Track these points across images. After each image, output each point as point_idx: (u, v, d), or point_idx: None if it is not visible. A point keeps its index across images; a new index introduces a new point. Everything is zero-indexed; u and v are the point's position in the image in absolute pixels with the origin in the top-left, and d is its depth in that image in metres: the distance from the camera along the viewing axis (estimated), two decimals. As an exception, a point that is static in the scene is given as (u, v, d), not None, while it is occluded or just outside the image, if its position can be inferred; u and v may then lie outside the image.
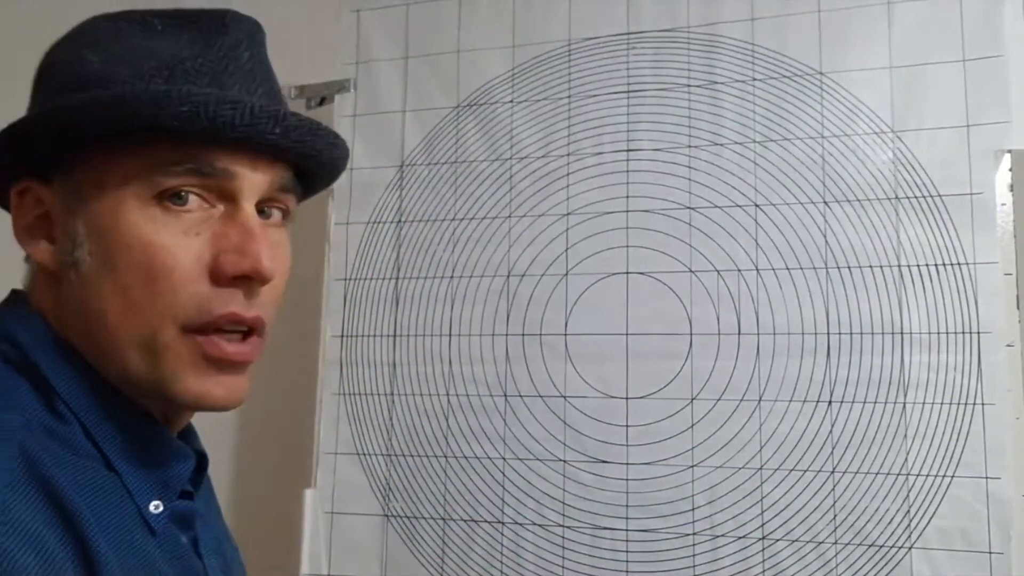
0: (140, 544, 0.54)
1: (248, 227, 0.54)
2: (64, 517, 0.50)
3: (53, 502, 0.50)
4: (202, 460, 0.63)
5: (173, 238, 0.53)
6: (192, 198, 0.54)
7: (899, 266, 1.00)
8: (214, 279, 0.54)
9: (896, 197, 1.01)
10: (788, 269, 1.03)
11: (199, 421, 0.65)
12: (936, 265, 0.99)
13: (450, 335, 1.15)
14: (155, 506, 0.56)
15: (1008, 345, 0.96)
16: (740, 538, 1.01)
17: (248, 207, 0.55)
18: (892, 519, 0.97)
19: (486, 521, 1.10)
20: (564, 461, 1.08)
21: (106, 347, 0.54)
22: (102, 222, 0.54)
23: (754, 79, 1.07)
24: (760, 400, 1.02)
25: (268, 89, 0.58)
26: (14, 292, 0.60)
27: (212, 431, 0.73)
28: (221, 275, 0.54)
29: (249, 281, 0.54)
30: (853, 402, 0.99)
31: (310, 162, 0.59)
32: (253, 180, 0.55)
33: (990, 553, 0.93)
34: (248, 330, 0.55)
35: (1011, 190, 0.98)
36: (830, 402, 1.00)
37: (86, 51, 0.56)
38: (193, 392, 0.54)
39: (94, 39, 0.56)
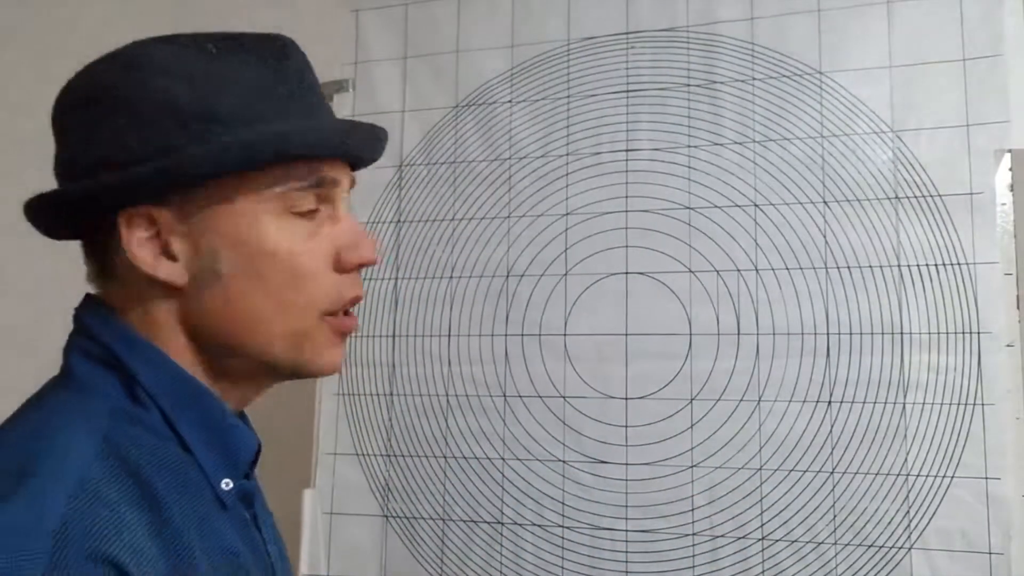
0: (213, 518, 0.60)
1: (354, 225, 0.66)
2: (144, 493, 0.55)
3: (135, 480, 0.56)
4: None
5: (305, 243, 0.63)
6: (313, 206, 0.64)
7: (899, 266, 1.00)
8: (338, 270, 0.64)
9: (896, 197, 1.01)
10: (788, 269, 1.03)
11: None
12: (936, 265, 0.99)
13: (449, 335, 1.15)
14: (226, 483, 0.62)
15: (1008, 345, 0.96)
16: (740, 539, 1.01)
17: (344, 207, 0.66)
18: (892, 520, 0.97)
19: (485, 522, 1.10)
20: (563, 461, 1.08)
21: (248, 343, 0.63)
22: (240, 236, 0.62)
23: (753, 79, 1.07)
24: (760, 400, 1.02)
25: (329, 106, 0.67)
26: (89, 297, 0.66)
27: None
28: (346, 266, 0.64)
29: (360, 267, 0.66)
30: (853, 402, 0.99)
31: (368, 164, 0.70)
32: (344, 184, 0.66)
33: (990, 554, 0.93)
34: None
35: (1011, 190, 0.98)
36: (829, 402, 1.00)
37: (167, 81, 0.61)
38: (331, 363, 0.66)
39: (164, 67, 0.61)
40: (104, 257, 0.64)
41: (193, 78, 0.61)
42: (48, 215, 0.64)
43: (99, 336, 0.62)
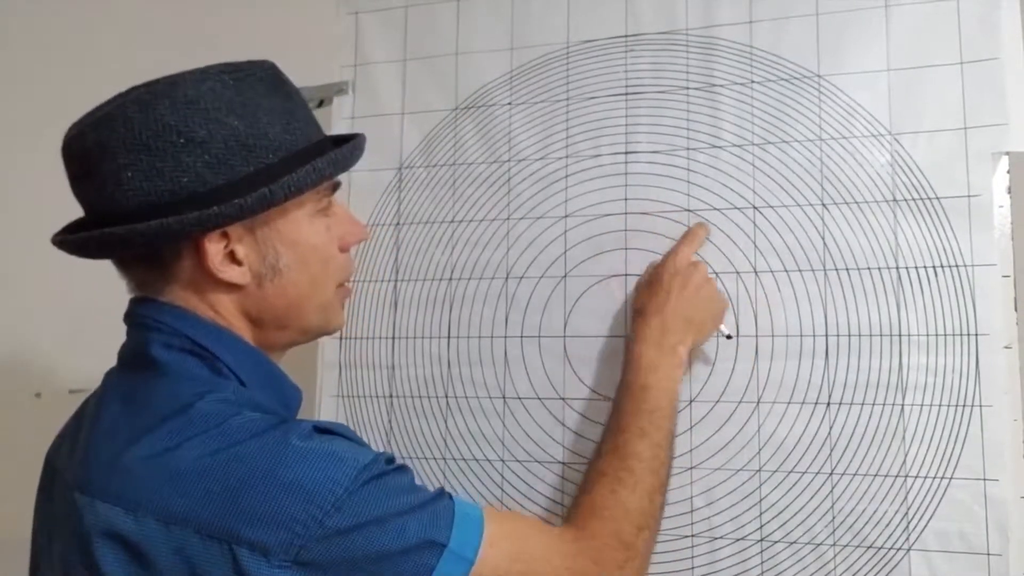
0: None
1: (346, 212, 0.84)
2: None
3: None
4: None
5: (326, 234, 0.80)
6: (327, 204, 0.81)
7: (897, 268, 1.00)
8: (342, 250, 0.83)
9: (894, 199, 1.01)
10: (786, 271, 1.03)
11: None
12: (934, 267, 0.99)
13: (448, 337, 1.15)
14: None
15: (1006, 347, 0.96)
16: (738, 540, 1.01)
17: (337, 199, 0.83)
18: (890, 521, 0.97)
19: (485, 523, 1.09)
20: (563, 463, 1.08)
21: (294, 318, 0.80)
22: (292, 238, 0.77)
23: (752, 82, 1.07)
24: (759, 402, 1.02)
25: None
26: (145, 300, 0.77)
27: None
28: (345, 247, 0.83)
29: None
30: (851, 404, 1.00)
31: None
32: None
33: (988, 555, 0.94)
34: None
35: (1009, 192, 0.98)
36: (828, 404, 1.00)
37: (225, 116, 0.71)
38: (341, 322, 0.86)
39: (217, 104, 0.71)
40: (165, 267, 0.75)
41: (242, 111, 0.72)
42: (112, 246, 0.73)
43: (181, 330, 0.74)
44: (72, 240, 0.74)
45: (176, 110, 0.70)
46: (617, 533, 0.82)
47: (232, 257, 0.75)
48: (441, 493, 0.73)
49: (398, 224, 1.19)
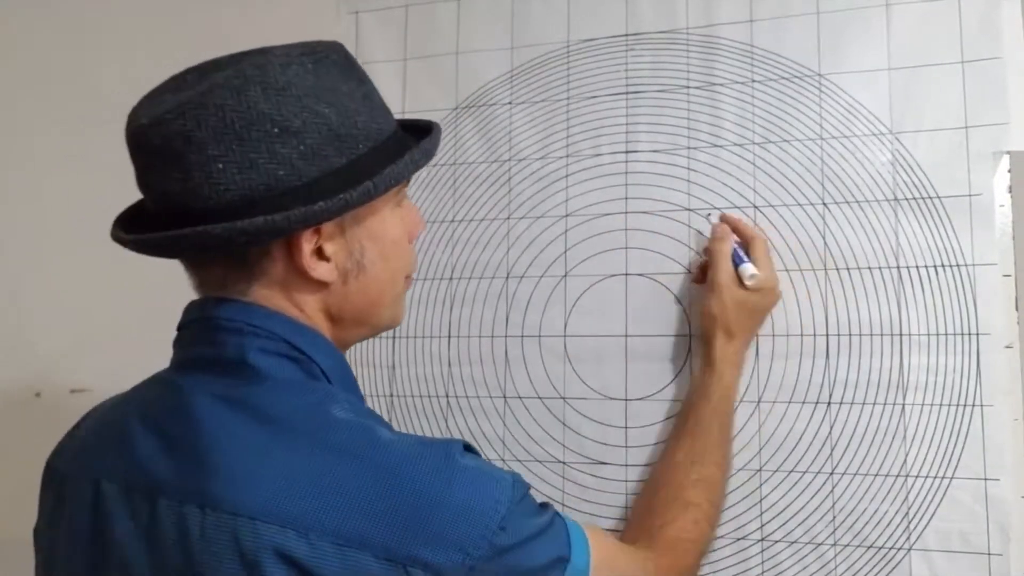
0: None
1: (412, 204, 0.81)
2: None
3: None
4: None
5: (402, 226, 0.78)
6: (402, 197, 0.78)
7: (898, 268, 1.00)
8: (409, 241, 0.80)
9: (895, 199, 1.01)
10: (787, 271, 1.03)
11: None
12: (935, 266, 0.99)
13: (449, 336, 1.15)
14: None
15: (1007, 346, 0.96)
16: (739, 539, 1.01)
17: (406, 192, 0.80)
18: (891, 521, 0.97)
19: (485, 523, 1.10)
20: (563, 463, 1.08)
21: (373, 314, 0.78)
22: (377, 232, 0.74)
23: (753, 81, 1.07)
24: (759, 401, 1.02)
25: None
26: (226, 300, 0.72)
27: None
28: (412, 238, 0.80)
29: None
30: (852, 403, 1.00)
31: None
32: None
33: (989, 555, 0.94)
34: None
35: (1010, 191, 0.98)
36: (829, 403, 1.00)
37: (316, 104, 0.67)
38: (404, 315, 0.84)
39: (306, 90, 0.67)
40: (250, 266, 0.71)
41: (329, 98, 0.68)
42: (206, 246, 0.67)
43: (278, 333, 0.71)
44: (151, 240, 0.68)
45: (268, 97, 0.65)
46: (688, 568, 0.88)
47: (319, 254, 0.71)
48: (555, 511, 0.76)
49: (398, 223, 1.19)
